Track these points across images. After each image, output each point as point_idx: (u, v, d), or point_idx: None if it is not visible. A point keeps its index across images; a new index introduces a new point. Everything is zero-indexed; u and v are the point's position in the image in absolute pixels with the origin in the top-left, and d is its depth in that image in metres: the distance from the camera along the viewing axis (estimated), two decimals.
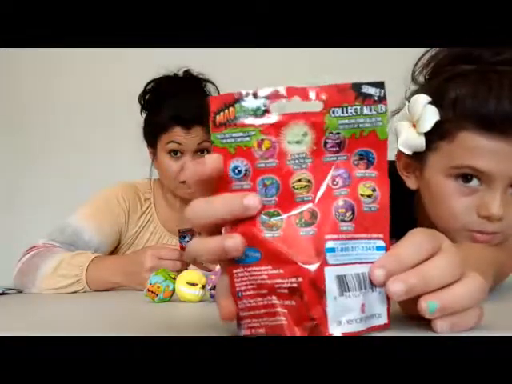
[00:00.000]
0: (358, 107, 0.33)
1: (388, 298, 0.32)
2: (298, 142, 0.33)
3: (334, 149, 0.33)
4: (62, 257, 0.88)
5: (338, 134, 0.33)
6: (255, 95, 0.33)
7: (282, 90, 0.33)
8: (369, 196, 0.33)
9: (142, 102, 1.06)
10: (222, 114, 0.33)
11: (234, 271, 0.33)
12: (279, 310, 0.32)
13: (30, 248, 0.93)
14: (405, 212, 0.73)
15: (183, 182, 1.02)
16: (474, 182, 0.61)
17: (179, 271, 0.70)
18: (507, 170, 0.59)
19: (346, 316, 0.32)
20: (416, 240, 0.33)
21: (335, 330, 0.31)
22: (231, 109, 0.33)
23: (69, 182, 1.69)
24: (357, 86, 0.33)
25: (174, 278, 0.63)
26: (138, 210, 1.07)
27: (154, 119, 1.03)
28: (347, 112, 0.33)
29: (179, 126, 0.99)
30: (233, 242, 0.31)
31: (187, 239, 0.88)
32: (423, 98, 0.62)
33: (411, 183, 0.70)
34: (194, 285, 0.61)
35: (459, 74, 0.62)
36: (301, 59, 1.64)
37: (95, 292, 0.86)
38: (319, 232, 0.32)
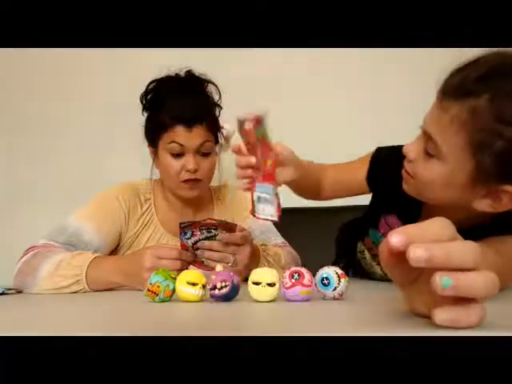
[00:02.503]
0: None
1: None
2: None
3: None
4: (61, 257, 0.88)
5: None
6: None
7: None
8: None
9: (144, 101, 1.05)
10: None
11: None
12: None
13: (30, 248, 0.93)
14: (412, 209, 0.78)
15: (184, 182, 1.02)
16: None
17: (179, 271, 0.70)
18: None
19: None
20: (438, 223, 0.34)
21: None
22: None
23: (69, 182, 1.69)
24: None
25: (174, 278, 0.63)
26: (138, 211, 1.07)
27: (156, 118, 1.02)
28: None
29: (181, 125, 0.99)
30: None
31: (188, 236, 0.87)
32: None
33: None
34: (194, 285, 0.61)
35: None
36: (300, 59, 1.64)
37: (95, 292, 0.86)
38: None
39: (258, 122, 0.65)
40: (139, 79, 1.06)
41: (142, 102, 1.06)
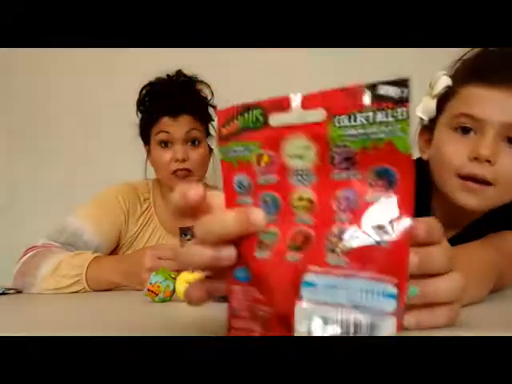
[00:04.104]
0: (371, 113, 0.27)
1: None
2: (299, 157, 0.29)
3: (343, 165, 0.28)
4: (61, 257, 0.88)
5: (345, 146, 0.28)
6: (255, 107, 0.30)
7: (282, 99, 0.29)
8: (380, 227, 0.27)
9: (138, 104, 1.08)
10: (226, 127, 0.31)
11: (232, 287, 0.31)
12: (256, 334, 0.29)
13: (30, 248, 0.93)
14: (421, 200, 0.76)
15: (174, 173, 1.02)
16: (471, 134, 0.67)
17: (179, 271, 0.70)
18: (498, 117, 0.64)
19: None
20: (437, 224, 0.33)
21: None
22: (234, 122, 0.31)
23: (69, 182, 1.69)
24: (371, 87, 0.27)
25: (175, 278, 0.63)
26: (137, 210, 1.07)
27: (146, 115, 1.06)
28: (355, 120, 0.27)
29: (167, 115, 1.01)
30: (228, 251, 0.30)
31: (188, 237, 0.87)
32: (441, 72, 0.72)
33: (425, 154, 0.77)
34: None
35: (471, 55, 0.71)
36: (299, 59, 1.64)
37: (95, 292, 0.86)
38: (303, 260, 0.27)
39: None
40: (140, 79, 1.07)
41: (137, 105, 1.08)
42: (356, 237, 0.27)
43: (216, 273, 0.33)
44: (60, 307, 0.68)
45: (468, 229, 0.75)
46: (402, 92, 0.26)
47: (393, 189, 0.27)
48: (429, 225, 0.32)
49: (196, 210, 0.32)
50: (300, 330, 0.26)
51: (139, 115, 1.08)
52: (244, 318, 0.30)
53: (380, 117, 0.26)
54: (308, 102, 0.29)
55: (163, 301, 0.63)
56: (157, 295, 0.62)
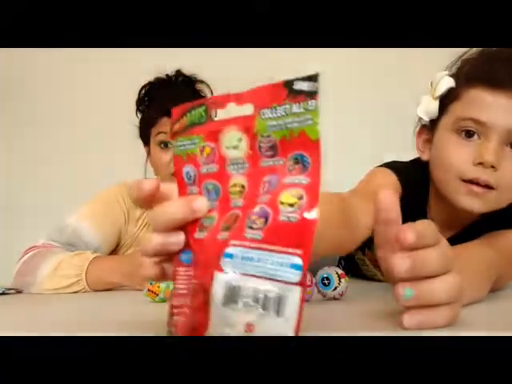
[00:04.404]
0: (287, 106, 0.30)
1: (297, 333, 0.28)
2: (234, 147, 0.33)
3: (269, 153, 0.32)
4: (61, 257, 0.88)
5: (269, 136, 0.31)
6: (199, 105, 0.34)
7: (220, 97, 0.33)
8: (291, 205, 0.29)
9: (137, 104, 1.08)
10: (178, 123, 0.35)
11: (177, 268, 0.33)
12: (185, 310, 0.32)
13: (30, 248, 0.93)
14: (419, 201, 0.78)
15: (173, 174, 1.02)
16: (475, 137, 0.66)
17: None
18: (504, 122, 0.64)
19: (226, 329, 0.28)
20: (431, 226, 0.34)
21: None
22: (184, 118, 0.34)
23: (69, 182, 1.69)
24: (288, 83, 0.30)
25: None
26: (137, 210, 1.07)
27: (145, 115, 1.06)
28: (276, 113, 0.31)
29: (166, 116, 1.01)
30: (176, 237, 0.33)
31: None
32: (444, 72, 0.71)
33: (425, 155, 0.76)
34: None
35: (474, 56, 0.70)
36: (299, 59, 1.64)
37: (95, 292, 0.86)
38: (228, 237, 0.30)
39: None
40: (140, 79, 1.07)
41: (136, 105, 1.08)
42: (270, 214, 0.30)
43: (168, 258, 0.35)
44: (60, 307, 0.68)
45: (467, 229, 0.75)
46: (313, 86, 0.29)
47: (306, 172, 0.30)
48: (418, 230, 0.32)
49: (151, 201, 0.34)
50: (216, 296, 0.29)
51: (139, 115, 1.08)
52: (183, 295, 0.32)
53: (295, 109, 0.30)
54: (240, 99, 0.32)
55: (163, 301, 0.63)
56: (157, 295, 0.62)
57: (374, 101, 1.63)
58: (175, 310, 0.33)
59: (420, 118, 0.75)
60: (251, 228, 0.30)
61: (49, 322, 0.52)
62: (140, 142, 1.10)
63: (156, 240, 0.33)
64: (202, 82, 1.08)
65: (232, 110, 0.32)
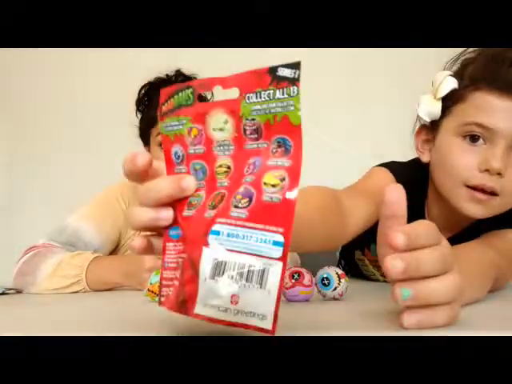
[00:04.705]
0: (271, 91, 0.31)
1: (277, 305, 0.29)
2: (221, 129, 0.34)
3: (253, 136, 0.33)
4: (61, 257, 0.88)
5: (254, 120, 0.32)
6: (187, 87, 0.35)
7: (208, 80, 0.34)
8: (273, 185, 0.31)
9: (137, 104, 1.08)
10: (166, 104, 0.36)
11: (166, 244, 0.35)
12: (175, 282, 0.33)
13: (30, 248, 0.93)
14: (414, 207, 0.75)
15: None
16: (480, 142, 0.65)
17: None
18: (510, 127, 0.63)
19: (213, 300, 0.30)
20: (428, 227, 0.34)
21: (200, 311, 0.31)
22: (171, 100, 0.35)
23: (69, 181, 1.69)
24: (272, 70, 0.31)
25: None
26: None
27: (145, 116, 1.06)
28: (260, 97, 0.32)
29: None
30: (166, 212, 0.34)
31: None
32: (446, 72, 0.70)
33: (425, 157, 0.75)
34: None
35: (477, 56, 0.68)
36: (298, 59, 1.64)
37: (95, 292, 0.86)
38: (214, 215, 0.32)
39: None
40: (140, 79, 1.07)
41: (136, 105, 1.08)
42: (254, 194, 0.31)
43: (156, 233, 0.36)
44: (60, 307, 0.68)
45: (466, 230, 0.75)
46: (295, 73, 0.31)
47: (288, 155, 0.31)
48: (408, 232, 0.32)
49: (143, 175, 0.35)
50: (204, 270, 0.30)
51: (138, 115, 1.08)
52: (172, 269, 0.34)
53: (278, 94, 0.31)
54: (226, 83, 0.33)
55: None
56: (157, 295, 0.62)
57: (375, 101, 1.63)
58: (164, 282, 0.35)
59: (418, 118, 0.74)
60: (236, 207, 0.31)
61: (49, 321, 0.52)
62: (140, 142, 1.10)
63: (146, 214, 0.34)
64: None
65: (218, 94, 0.34)
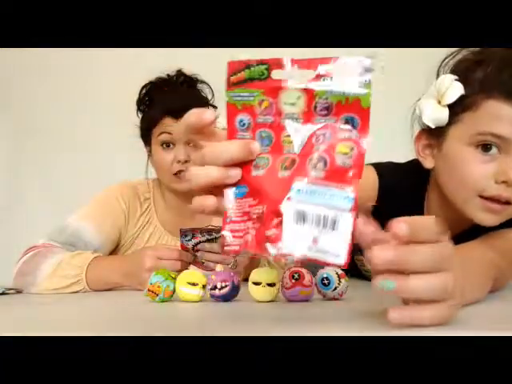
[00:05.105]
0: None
1: (350, 246, 0.35)
2: (292, 104, 0.38)
3: (323, 112, 0.38)
4: (61, 257, 0.88)
5: (327, 99, 0.37)
6: (261, 62, 0.38)
7: (284, 60, 0.38)
8: (345, 153, 0.37)
9: (138, 103, 1.08)
10: (235, 76, 0.39)
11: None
12: (250, 231, 0.38)
13: (30, 248, 0.93)
14: (413, 203, 0.76)
15: (176, 174, 1.02)
16: (493, 151, 0.64)
17: (179, 271, 0.70)
18: None
19: (297, 242, 0.36)
20: (430, 223, 0.35)
21: (286, 247, 0.36)
22: (242, 72, 0.39)
23: (69, 181, 1.69)
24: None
25: (175, 278, 0.63)
26: (137, 210, 1.07)
27: (147, 115, 1.06)
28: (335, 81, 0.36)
29: (169, 116, 1.01)
30: (236, 171, 0.38)
31: (188, 238, 0.88)
32: (450, 76, 0.67)
33: (428, 162, 0.73)
34: (194, 285, 0.61)
35: (485, 58, 0.66)
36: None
37: (95, 292, 0.86)
38: (292, 175, 0.37)
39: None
40: (140, 79, 1.07)
41: (137, 105, 1.08)
42: (328, 159, 0.37)
43: (216, 191, 0.39)
44: (60, 307, 0.68)
45: (466, 231, 0.74)
46: (369, 63, 0.36)
47: (356, 130, 0.37)
48: (411, 223, 0.33)
49: (204, 132, 0.39)
50: (288, 219, 0.36)
51: (139, 115, 1.08)
52: (238, 222, 0.39)
53: (351, 80, 0.36)
54: (302, 64, 0.37)
55: (163, 301, 0.63)
56: (157, 295, 0.62)
57: (374, 100, 1.63)
58: (235, 234, 0.39)
59: (418, 122, 0.73)
60: (314, 168, 0.37)
61: (49, 321, 0.52)
62: (140, 142, 1.10)
63: (216, 172, 0.38)
64: (202, 82, 1.08)
65: (292, 73, 0.38)
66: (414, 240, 0.33)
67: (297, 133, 0.39)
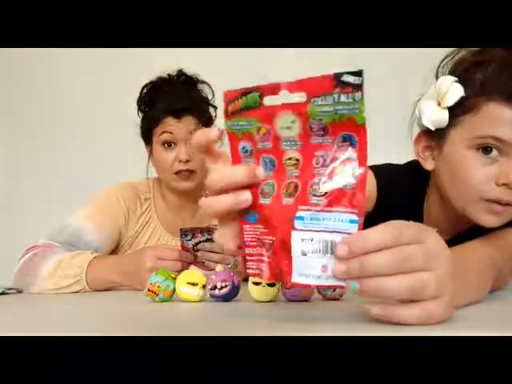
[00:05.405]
0: (336, 96, 0.36)
1: None
2: (288, 128, 0.39)
3: (320, 132, 0.38)
4: (61, 257, 0.88)
5: (321, 120, 0.37)
6: (254, 90, 0.39)
7: (274, 86, 0.38)
8: (346, 176, 0.37)
9: (139, 103, 1.08)
10: (232, 105, 0.40)
11: (244, 226, 0.41)
12: (264, 259, 0.40)
13: (30, 248, 0.93)
14: (412, 205, 0.76)
15: (177, 173, 1.02)
16: (494, 153, 0.64)
17: (179, 271, 0.70)
18: None
19: (307, 271, 0.37)
20: (388, 228, 0.36)
21: (296, 280, 0.37)
22: (238, 101, 0.40)
23: (69, 181, 1.69)
24: (337, 76, 0.35)
25: (175, 278, 0.63)
26: (137, 210, 1.07)
27: (148, 115, 1.06)
28: (326, 100, 0.36)
29: (170, 116, 1.01)
30: (246, 196, 0.39)
31: (189, 237, 0.88)
32: (450, 78, 0.66)
33: (428, 164, 0.73)
34: (194, 285, 0.61)
35: (484, 59, 0.65)
36: (300, 59, 1.64)
37: (95, 292, 0.86)
38: (295, 203, 0.38)
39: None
40: (141, 79, 1.07)
41: (137, 104, 1.08)
42: (329, 183, 0.37)
43: (227, 219, 0.41)
44: (60, 307, 0.68)
45: (466, 231, 0.74)
46: (358, 80, 0.35)
47: (354, 148, 0.37)
48: (348, 242, 0.35)
49: (210, 151, 0.41)
50: (295, 249, 0.37)
51: (140, 115, 1.08)
52: (254, 246, 0.41)
53: (343, 98, 0.35)
54: (292, 88, 0.38)
55: (163, 301, 0.63)
56: (157, 295, 0.62)
57: (374, 100, 1.63)
58: (249, 258, 0.42)
59: (418, 123, 0.73)
60: (315, 195, 0.37)
61: (49, 321, 0.52)
62: (140, 142, 1.10)
63: (227, 199, 0.39)
64: (203, 82, 1.08)
65: (284, 97, 0.38)
66: (366, 250, 0.35)
67: (299, 155, 0.39)
